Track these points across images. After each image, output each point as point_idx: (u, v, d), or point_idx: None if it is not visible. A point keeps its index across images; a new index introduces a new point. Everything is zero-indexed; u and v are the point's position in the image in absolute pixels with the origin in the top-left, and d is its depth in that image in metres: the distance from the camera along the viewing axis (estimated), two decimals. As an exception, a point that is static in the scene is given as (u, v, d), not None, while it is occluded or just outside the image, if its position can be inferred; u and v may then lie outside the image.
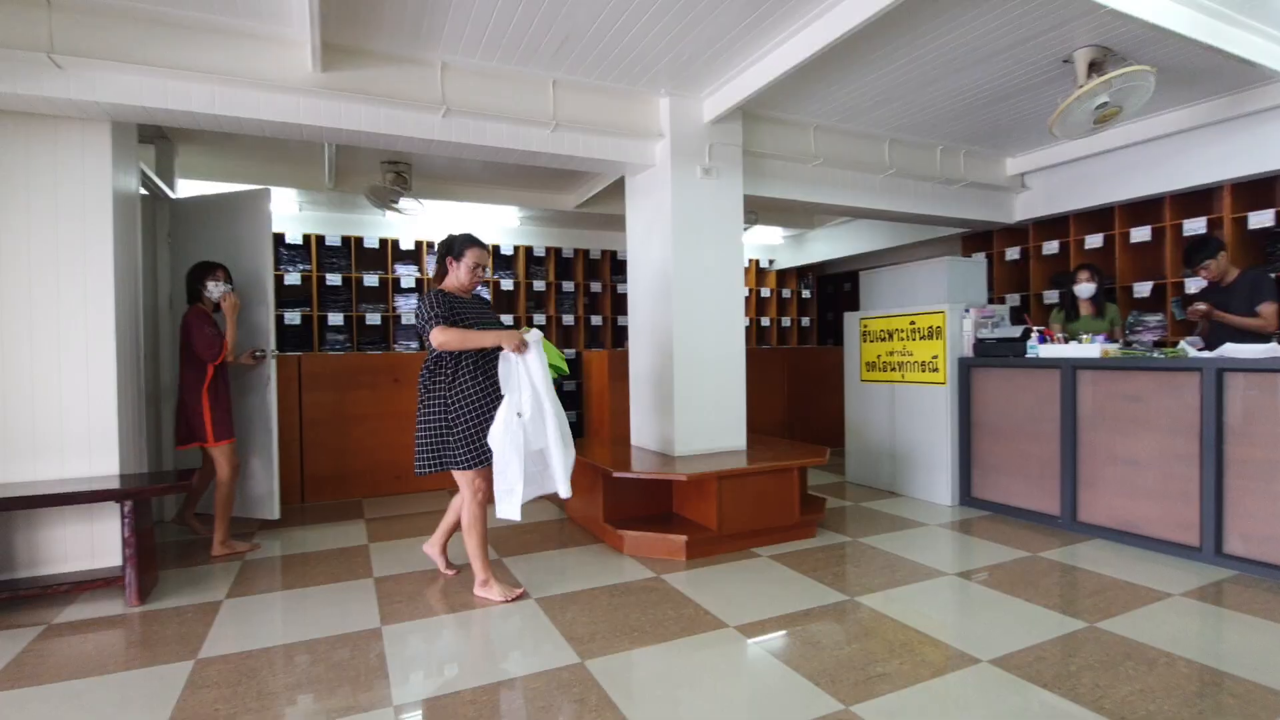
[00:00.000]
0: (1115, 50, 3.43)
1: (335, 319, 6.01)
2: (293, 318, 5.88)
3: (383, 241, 6.23)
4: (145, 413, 3.54)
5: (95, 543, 3.07)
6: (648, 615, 2.62)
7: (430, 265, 6.46)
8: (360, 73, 3.28)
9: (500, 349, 2.72)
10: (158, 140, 4.22)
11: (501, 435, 2.65)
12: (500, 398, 2.72)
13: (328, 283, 6.02)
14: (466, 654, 2.34)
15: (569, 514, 4.20)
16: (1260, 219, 4.23)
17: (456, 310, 2.76)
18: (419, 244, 6.40)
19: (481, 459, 2.74)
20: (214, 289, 3.51)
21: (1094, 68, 3.43)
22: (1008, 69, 3.69)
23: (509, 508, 2.66)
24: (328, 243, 6.06)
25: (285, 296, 5.97)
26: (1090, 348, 3.61)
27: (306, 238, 5.97)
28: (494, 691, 2.06)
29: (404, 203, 5.08)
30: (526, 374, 2.70)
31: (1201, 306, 3.66)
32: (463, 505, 2.84)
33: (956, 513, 4.14)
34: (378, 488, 4.89)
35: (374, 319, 6.14)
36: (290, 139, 3.44)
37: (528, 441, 2.67)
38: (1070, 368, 3.64)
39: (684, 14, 3.05)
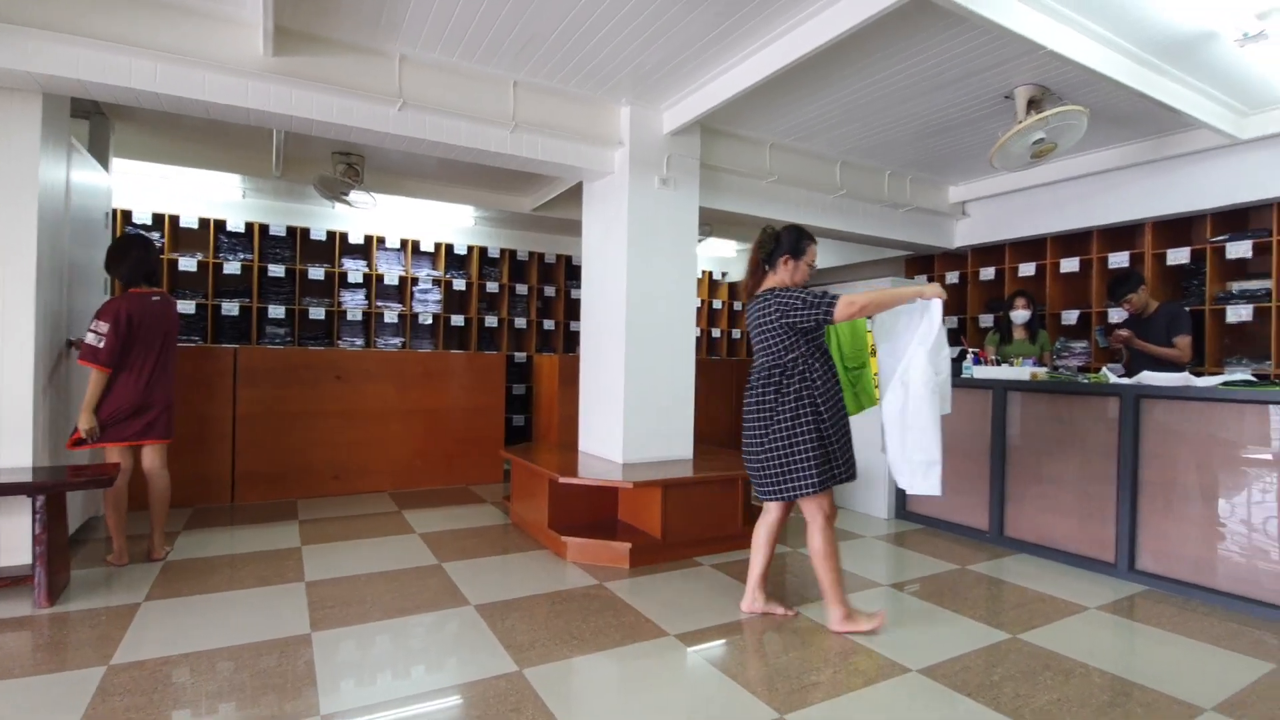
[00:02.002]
0: (1053, 90, 3.62)
1: (276, 311, 5.80)
2: (230, 308, 5.65)
3: (330, 234, 6.04)
4: (70, 404, 3.33)
5: (2, 539, 2.86)
6: (589, 623, 2.60)
7: (382, 262, 6.30)
8: (314, 59, 3.18)
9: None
10: (93, 115, 3.99)
11: (903, 402, 2.46)
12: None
13: (270, 274, 5.80)
14: (400, 662, 2.28)
15: (513, 519, 4.15)
16: (1177, 256, 4.53)
17: None
18: (369, 238, 6.24)
19: (833, 477, 2.48)
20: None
21: (1033, 105, 3.61)
22: (953, 101, 3.85)
23: (931, 482, 2.44)
24: (272, 232, 5.85)
25: (223, 286, 5.73)
26: (1020, 371, 3.79)
27: (249, 225, 5.75)
28: (427, 701, 2.01)
29: (355, 195, 4.94)
30: (933, 329, 2.48)
31: (1123, 333, 3.90)
32: (815, 533, 2.52)
33: (893, 526, 4.27)
34: (314, 488, 4.72)
35: (318, 314, 5.94)
36: (236, 123, 3.31)
37: (908, 419, 2.47)
38: (1002, 389, 3.81)
39: (648, 25, 3.08)
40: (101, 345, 2.93)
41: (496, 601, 2.81)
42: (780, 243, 2.59)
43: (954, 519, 4.11)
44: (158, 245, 5.28)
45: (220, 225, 5.66)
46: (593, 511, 3.73)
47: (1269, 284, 4.14)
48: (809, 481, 2.44)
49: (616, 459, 3.93)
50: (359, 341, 6.21)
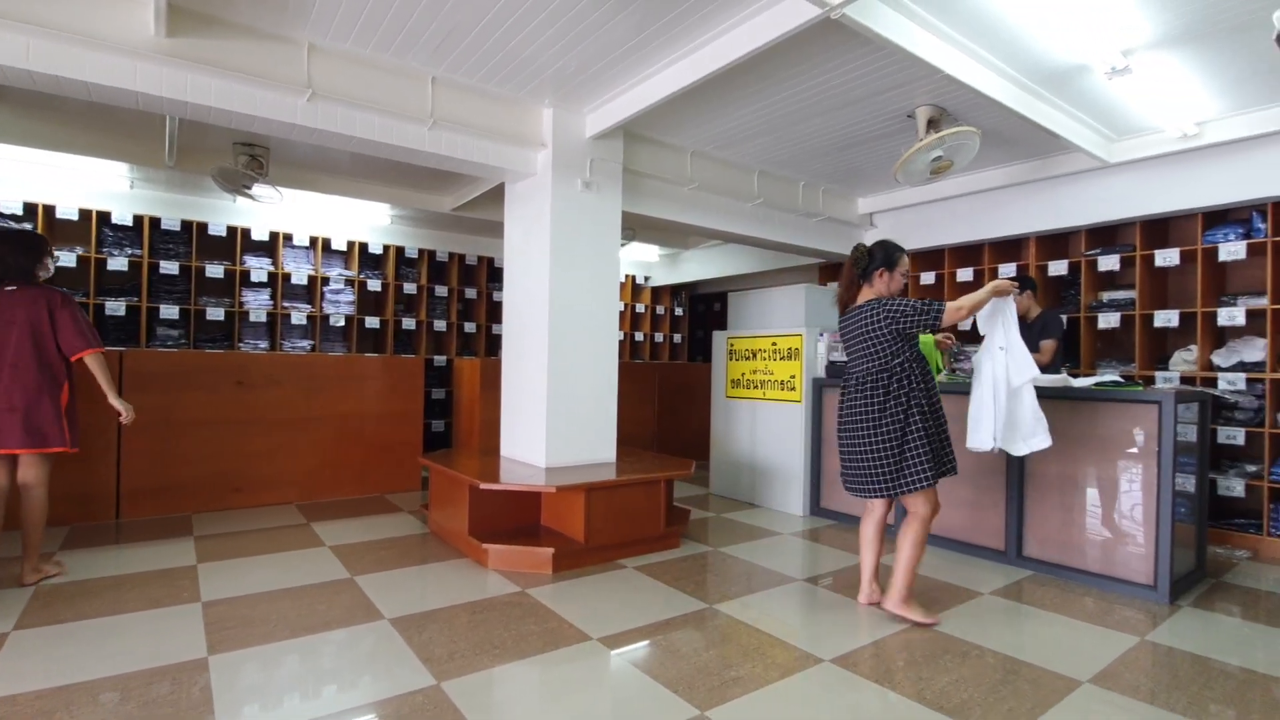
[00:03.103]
0: (950, 111, 3.88)
1: (169, 311, 5.39)
2: (116, 308, 5.21)
3: (231, 230, 5.68)
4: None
5: None
6: (510, 631, 2.57)
7: (289, 260, 5.98)
8: (212, 42, 2.99)
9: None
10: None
11: (990, 369, 2.81)
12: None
13: (162, 271, 5.39)
14: (309, 683, 2.17)
15: (431, 528, 4.03)
16: (1057, 268, 4.95)
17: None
18: (275, 235, 5.91)
19: (942, 471, 2.68)
20: (51, 267, 3.10)
21: (932, 124, 3.86)
22: (861, 118, 4.06)
23: (1040, 438, 2.79)
24: (164, 226, 5.43)
25: (107, 284, 5.27)
26: (924, 373, 4.01)
27: (138, 219, 5.32)
28: (339, 720, 1.92)
29: (258, 189, 4.66)
30: (1005, 319, 2.82)
31: (946, 340, 3.97)
32: (917, 524, 2.71)
33: (808, 522, 4.44)
34: (212, 502, 4.41)
35: (216, 314, 5.57)
36: (124, 107, 3.06)
37: (1009, 377, 2.76)
38: (907, 390, 4.03)
39: (570, 28, 3.08)
40: None
41: (413, 614, 2.72)
42: (874, 258, 2.81)
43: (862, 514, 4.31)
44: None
45: (104, 218, 5.22)
46: (515, 517, 3.68)
47: (1133, 294, 4.60)
48: (923, 476, 2.62)
49: (539, 463, 3.89)
50: (263, 344, 5.87)
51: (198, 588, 2.96)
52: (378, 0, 2.88)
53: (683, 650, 2.44)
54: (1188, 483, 3.30)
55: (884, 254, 2.81)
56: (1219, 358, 4.23)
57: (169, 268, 5.39)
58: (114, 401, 3.08)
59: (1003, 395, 2.82)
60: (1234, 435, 4.07)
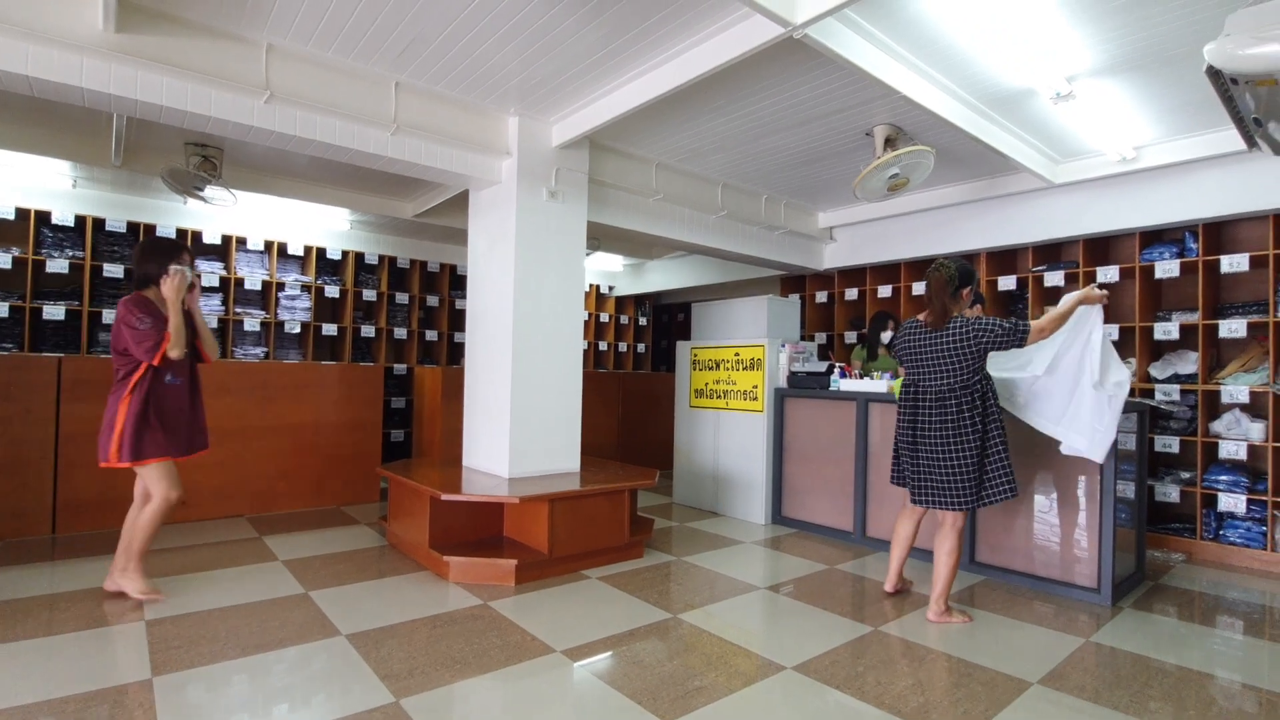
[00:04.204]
0: (906, 130, 4.01)
1: (113, 317, 5.15)
2: (55, 312, 4.96)
3: (181, 232, 5.49)
4: None
5: None
6: (472, 645, 2.53)
7: (242, 264, 5.80)
8: (164, 39, 2.90)
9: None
10: None
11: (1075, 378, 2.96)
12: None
13: (105, 274, 5.17)
14: (260, 703, 2.10)
15: (390, 541, 3.94)
16: (1006, 283, 5.15)
17: None
18: (227, 239, 5.73)
19: (1015, 485, 2.83)
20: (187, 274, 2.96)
21: (889, 143, 3.98)
22: (821, 134, 4.17)
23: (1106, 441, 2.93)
24: (109, 228, 5.22)
25: (45, 286, 5.03)
26: (879, 384, 4.13)
27: (80, 220, 5.10)
28: (293, 740, 1.86)
29: (210, 191, 4.52)
30: (1090, 330, 2.94)
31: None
32: (955, 535, 2.85)
33: (769, 530, 4.49)
34: (156, 514, 4.21)
35: (164, 319, 5.35)
36: (70, 104, 2.94)
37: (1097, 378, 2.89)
38: (864, 400, 4.14)
39: (537, 38, 3.08)
40: None
41: (371, 629, 2.65)
42: (959, 277, 2.87)
43: (823, 522, 4.39)
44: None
45: (44, 218, 4.98)
46: (477, 529, 3.63)
47: (1077, 309, 4.80)
48: (1007, 488, 2.80)
49: (503, 474, 3.85)
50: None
51: (142, 606, 2.83)
52: (340, 2, 2.84)
53: (647, 661, 2.43)
54: (1128, 489, 3.45)
55: (965, 273, 2.90)
56: (1155, 370, 4.45)
57: (113, 271, 5.18)
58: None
59: (1088, 396, 2.98)
60: (1169, 444, 4.28)
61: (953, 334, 2.79)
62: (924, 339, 2.88)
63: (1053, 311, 2.85)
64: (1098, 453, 2.97)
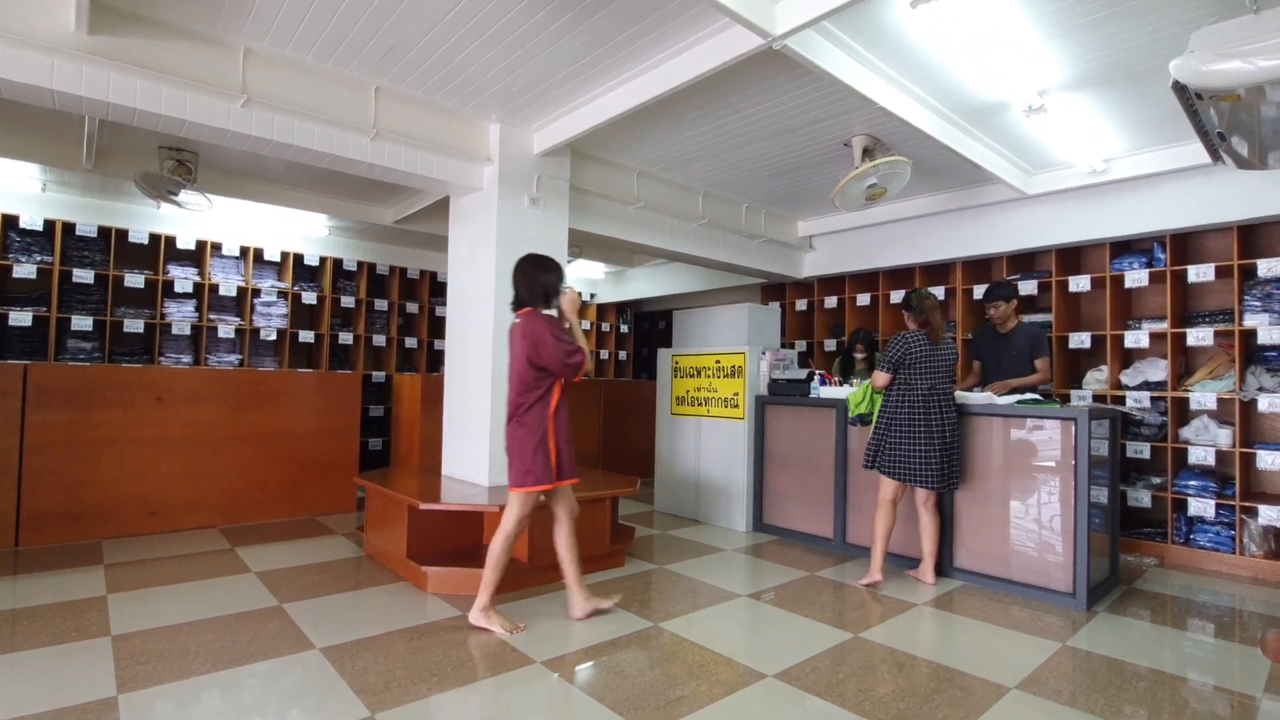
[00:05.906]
0: (883, 141, 4.07)
1: (82, 323, 5.05)
2: (21, 318, 4.83)
3: (154, 237, 5.39)
4: None
5: None
6: (450, 657, 2.49)
7: (217, 270, 5.71)
8: (138, 41, 2.85)
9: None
10: None
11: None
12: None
13: (75, 279, 5.05)
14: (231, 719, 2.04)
15: (367, 551, 3.88)
16: (982, 291, 5.21)
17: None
18: (202, 244, 5.63)
19: None
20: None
21: (867, 153, 4.04)
22: (801, 144, 4.21)
23: None
24: (79, 232, 5.11)
25: (12, 292, 4.91)
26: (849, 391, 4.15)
27: (49, 224, 4.98)
28: (265, 757, 1.82)
29: (185, 195, 4.44)
30: None
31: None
32: (934, 504, 3.52)
33: (750, 538, 4.50)
34: (125, 527, 4.12)
35: (135, 326, 5.25)
36: (38, 105, 2.87)
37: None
38: (844, 407, 4.16)
39: (518, 46, 3.08)
40: None
41: (346, 642, 2.60)
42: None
43: (804, 529, 4.41)
44: None
45: (11, 221, 4.87)
46: (456, 538, 3.58)
47: (1050, 317, 4.89)
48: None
49: (482, 482, 3.81)
50: (186, 358, 5.56)
51: (107, 620, 2.75)
52: (319, 7, 2.82)
53: (628, 671, 2.42)
54: (1101, 494, 3.51)
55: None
56: (1126, 377, 4.54)
57: (83, 276, 5.06)
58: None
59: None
60: (1141, 450, 4.37)
61: (951, 348, 3.52)
62: (939, 351, 3.46)
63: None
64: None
